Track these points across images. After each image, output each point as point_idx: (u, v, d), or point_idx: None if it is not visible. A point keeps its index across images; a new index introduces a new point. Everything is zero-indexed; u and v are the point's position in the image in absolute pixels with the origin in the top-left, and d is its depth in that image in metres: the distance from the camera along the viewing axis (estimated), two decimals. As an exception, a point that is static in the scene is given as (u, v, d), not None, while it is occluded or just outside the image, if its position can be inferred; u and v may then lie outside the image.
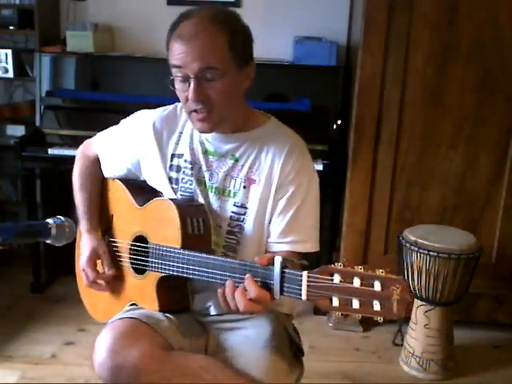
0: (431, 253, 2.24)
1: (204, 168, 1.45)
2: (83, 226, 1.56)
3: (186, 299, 1.44)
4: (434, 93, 2.50)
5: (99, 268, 1.53)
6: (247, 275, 1.18)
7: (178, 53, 1.30)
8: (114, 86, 2.99)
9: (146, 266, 1.43)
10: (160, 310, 1.40)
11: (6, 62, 2.98)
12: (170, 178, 1.48)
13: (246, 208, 1.42)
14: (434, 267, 2.26)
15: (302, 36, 2.91)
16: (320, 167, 2.63)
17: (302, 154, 1.44)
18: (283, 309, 1.51)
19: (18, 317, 2.74)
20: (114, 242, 1.56)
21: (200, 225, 1.37)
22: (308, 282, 1.10)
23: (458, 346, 2.47)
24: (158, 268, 1.39)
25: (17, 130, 3.05)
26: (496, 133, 2.53)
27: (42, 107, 2.93)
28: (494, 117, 2.51)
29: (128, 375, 1.24)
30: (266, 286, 1.17)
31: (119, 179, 1.58)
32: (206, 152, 1.46)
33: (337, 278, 1.06)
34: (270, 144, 1.42)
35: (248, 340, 1.39)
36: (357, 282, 1.04)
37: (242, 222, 1.42)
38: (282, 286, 1.15)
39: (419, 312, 2.38)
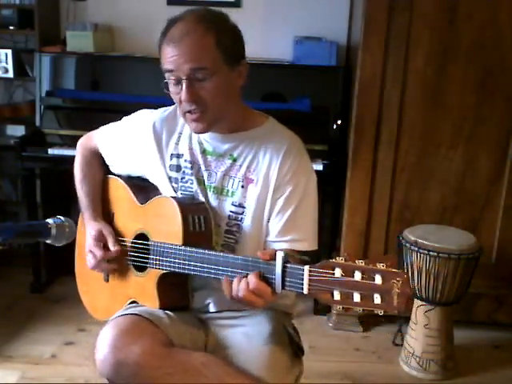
0: (431, 253, 2.24)
1: (203, 168, 1.47)
2: (87, 216, 1.56)
3: (186, 297, 1.45)
4: (434, 93, 2.51)
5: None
6: (255, 272, 1.20)
7: (169, 56, 1.32)
8: (114, 86, 2.99)
9: (146, 263, 1.43)
10: (160, 307, 1.40)
11: (6, 62, 2.98)
12: (170, 178, 1.49)
13: (244, 207, 1.43)
14: (434, 267, 2.26)
15: (301, 36, 2.91)
16: (320, 167, 2.63)
17: (300, 154, 1.45)
18: (287, 300, 1.52)
19: (18, 317, 2.74)
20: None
21: (201, 222, 1.38)
22: (310, 276, 1.11)
23: (458, 345, 2.47)
24: (159, 265, 1.39)
25: (17, 130, 3.05)
26: (496, 133, 2.53)
27: (42, 107, 2.93)
28: (494, 117, 2.51)
29: (130, 371, 1.25)
30: (268, 280, 1.19)
31: (120, 177, 1.59)
32: (204, 152, 1.47)
33: (338, 272, 1.07)
34: (267, 144, 1.43)
35: (247, 337, 1.40)
36: (358, 276, 1.05)
37: (240, 221, 1.43)
38: (283, 281, 1.16)
39: (419, 312, 2.38)
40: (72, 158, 1.67)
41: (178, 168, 1.49)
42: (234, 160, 1.44)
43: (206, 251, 1.31)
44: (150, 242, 1.43)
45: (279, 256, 1.17)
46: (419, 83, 2.50)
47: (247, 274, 1.21)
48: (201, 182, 1.47)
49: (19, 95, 3.20)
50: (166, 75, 1.35)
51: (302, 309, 2.84)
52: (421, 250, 2.27)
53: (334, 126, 2.82)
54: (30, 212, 2.88)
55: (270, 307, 1.46)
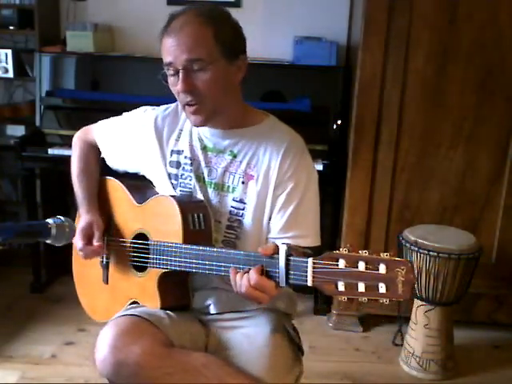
0: (431, 253, 2.24)
1: (203, 164, 1.47)
2: (83, 209, 1.55)
3: (187, 295, 1.44)
4: (434, 93, 2.50)
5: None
6: (257, 266, 1.19)
7: (168, 46, 1.33)
8: (113, 86, 2.99)
9: (146, 263, 1.43)
10: (162, 307, 1.40)
11: (6, 62, 2.98)
12: (169, 174, 1.50)
13: (245, 203, 1.43)
14: (434, 267, 2.26)
15: (301, 36, 2.91)
16: (320, 167, 2.63)
17: (300, 151, 1.45)
18: (287, 300, 1.52)
19: (18, 317, 2.74)
20: (115, 240, 1.55)
21: (201, 220, 1.38)
22: (313, 268, 1.11)
23: (458, 345, 2.47)
24: (159, 264, 1.39)
25: (17, 130, 3.05)
26: (496, 133, 2.53)
27: (42, 107, 2.93)
28: (494, 117, 2.51)
29: (130, 371, 1.25)
30: (272, 274, 1.18)
31: (117, 178, 1.59)
32: (204, 148, 1.48)
33: (342, 263, 1.07)
34: (268, 141, 1.44)
35: (248, 338, 1.40)
36: (362, 266, 1.06)
37: (241, 216, 1.44)
38: (287, 274, 1.16)
39: (419, 312, 2.39)
40: (72, 158, 1.67)
41: (178, 164, 1.49)
42: (234, 156, 1.45)
43: (208, 248, 1.31)
44: (149, 242, 1.43)
45: (282, 249, 1.16)
46: (419, 83, 2.50)
47: (249, 268, 1.21)
48: (200, 178, 1.47)
49: (19, 95, 3.20)
50: (165, 68, 1.37)
51: (301, 309, 2.84)
52: (421, 250, 2.27)
53: (334, 126, 2.82)
54: (30, 212, 2.88)
55: (270, 307, 1.47)
